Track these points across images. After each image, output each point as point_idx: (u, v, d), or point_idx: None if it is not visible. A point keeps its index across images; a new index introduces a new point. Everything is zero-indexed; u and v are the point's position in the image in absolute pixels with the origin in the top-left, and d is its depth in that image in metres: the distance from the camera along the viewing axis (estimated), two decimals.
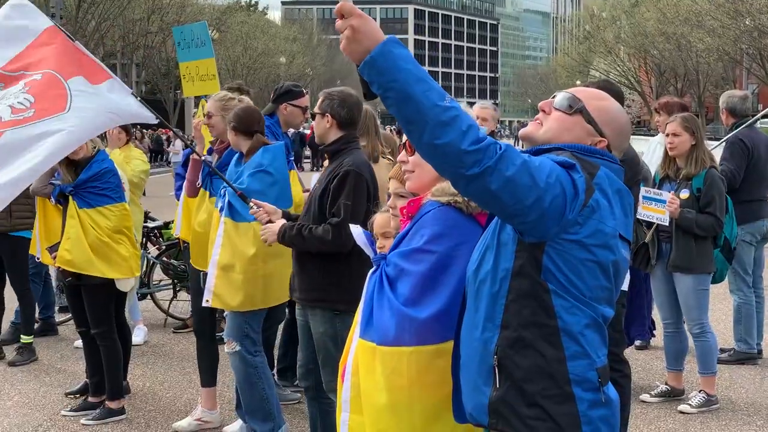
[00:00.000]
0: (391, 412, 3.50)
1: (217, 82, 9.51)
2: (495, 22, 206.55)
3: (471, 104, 9.34)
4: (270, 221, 5.87)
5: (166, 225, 11.45)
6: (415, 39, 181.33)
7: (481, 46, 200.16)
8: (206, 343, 7.22)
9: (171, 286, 11.34)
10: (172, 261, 11.17)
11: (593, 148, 3.11)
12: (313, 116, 5.89)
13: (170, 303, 11.18)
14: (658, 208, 7.22)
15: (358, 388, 3.66)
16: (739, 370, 8.70)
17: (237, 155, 6.63)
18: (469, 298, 3.21)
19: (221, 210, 6.28)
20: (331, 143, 5.81)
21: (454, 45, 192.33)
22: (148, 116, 6.26)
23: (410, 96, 2.80)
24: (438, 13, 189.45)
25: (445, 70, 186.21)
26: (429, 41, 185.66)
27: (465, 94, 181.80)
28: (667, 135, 7.50)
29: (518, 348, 3.00)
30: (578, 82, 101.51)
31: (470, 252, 3.48)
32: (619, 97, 6.87)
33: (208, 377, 7.27)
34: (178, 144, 35.82)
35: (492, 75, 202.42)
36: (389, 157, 7.62)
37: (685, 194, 7.35)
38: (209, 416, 7.17)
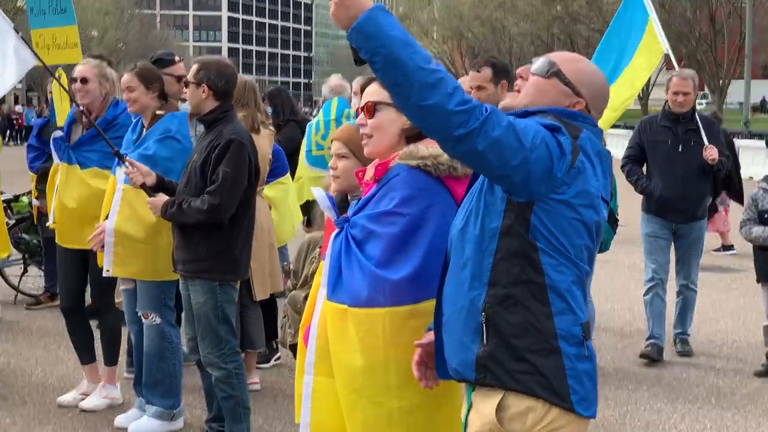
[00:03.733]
0: (366, 373, 3.54)
1: (79, 50, 9.15)
2: (309, 2, 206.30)
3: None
4: (144, 184, 5.78)
5: (16, 198, 11.07)
6: (228, 17, 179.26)
7: (295, 25, 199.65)
8: (78, 321, 7.03)
9: (21, 262, 10.96)
10: (23, 235, 10.79)
11: (575, 112, 3.22)
12: (186, 84, 5.79)
13: (20, 279, 10.80)
14: None
15: (323, 350, 3.67)
16: (600, 338, 9.02)
17: (134, 123, 6.46)
18: (453, 258, 3.26)
19: (122, 179, 6.09)
20: (208, 113, 5.75)
21: (269, 23, 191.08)
22: (26, 58, 6.01)
23: (397, 60, 2.88)
24: None
25: (259, 48, 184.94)
26: (243, 19, 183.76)
27: (279, 73, 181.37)
28: None
29: (507, 305, 3.09)
30: None
31: (440, 214, 3.56)
32: (506, 71, 7.03)
33: (87, 355, 7.10)
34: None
35: (306, 54, 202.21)
36: (270, 128, 7.61)
37: None
38: (115, 392, 7.00)
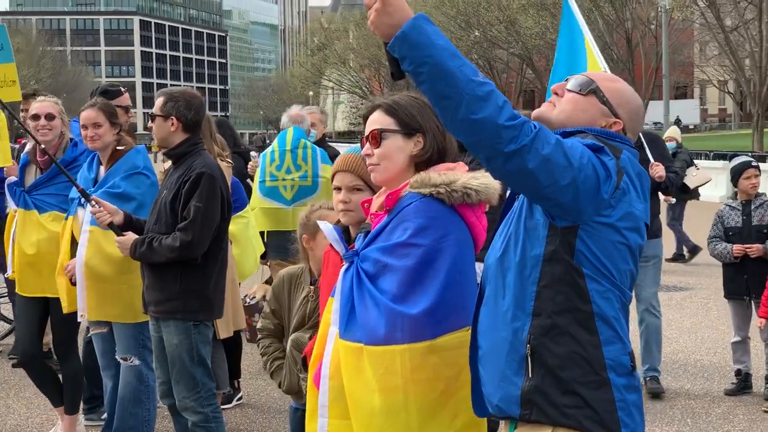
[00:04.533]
0: (385, 414, 3.34)
1: (18, 88, 8.89)
2: (223, 34, 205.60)
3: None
4: (111, 223, 5.55)
5: None
6: (141, 51, 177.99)
7: (210, 58, 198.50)
8: (39, 368, 6.74)
9: None
10: None
11: (613, 133, 3.10)
12: (153, 118, 5.56)
13: None
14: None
15: (336, 391, 3.48)
16: None
17: (90, 159, 6.21)
18: (490, 288, 3.11)
19: (90, 221, 5.86)
20: (176, 146, 5.53)
21: (183, 57, 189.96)
22: None
23: (445, 71, 2.75)
24: (164, 25, 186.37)
25: (174, 82, 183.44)
26: (156, 53, 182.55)
27: None
28: None
29: (553, 335, 2.94)
30: (311, 93, 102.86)
31: (455, 243, 3.40)
32: None
33: (58, 398, 6.79)
34: None
35: (222, 87, 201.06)
36: (228, 160, 7.41)
37: None
38: None
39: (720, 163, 27.52)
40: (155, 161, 6.47)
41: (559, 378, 2.93)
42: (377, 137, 3.53)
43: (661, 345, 8.17)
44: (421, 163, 3.53)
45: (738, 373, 7.85)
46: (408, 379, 3.33)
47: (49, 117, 6.39)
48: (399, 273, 3.37)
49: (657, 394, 7.83)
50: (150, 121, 5.54)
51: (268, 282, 8.93)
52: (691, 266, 14.63)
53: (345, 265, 3.54)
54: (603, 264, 2.93)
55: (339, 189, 3.90)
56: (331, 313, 3.54)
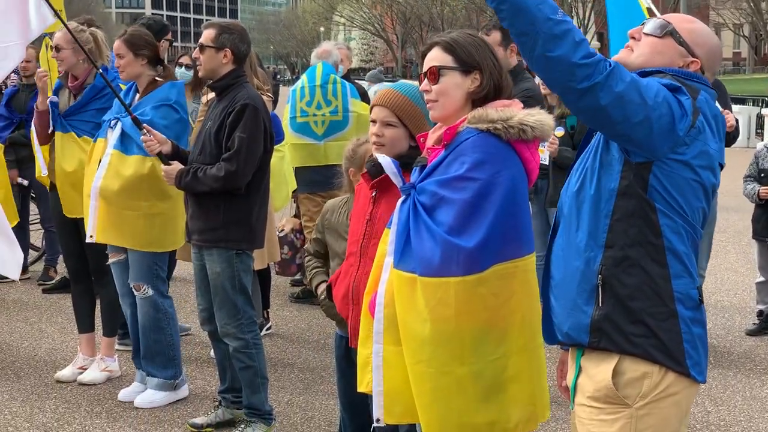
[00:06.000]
0: (435, 343, 3.46)
1: (63, 16, 8.93)
2: None
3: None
4: (160, 152, 5.66)
5: None
6: None
7: None
8: (83, 287, 6.93)
9: None
10: None
11: (691, 73, 3.19)
12: (202, 49, 5.62)
13: None
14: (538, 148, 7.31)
15: (390, 319, 3.59)
16: None
17: (128, 88, 6.30)
18: (564, 220, 3.24)
19: (113, 144, 5.99)
20: (221, 78, 5.60)
21: None
22: (45, 15, 5.87)
23: (524, 9, 2.88)
24: None
25: (183, 15, 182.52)
26: None
27: None
28: None
29: (624, 267, 3.06)
30: (322, 29, 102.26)
31: (510, 179, 3.49)
32: None
33: (86, 324, 6.96)
34: None
35: (232, 21, 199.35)
36: (268, 94, 7.48)
37: (560, 132, 7.49)
38: (113, 364, 6.86)
39: (736, 108, 27.38)
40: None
41: (628, 308, 3.06)
42: (435, 74, 3.61)
43: None
44: (478, 99, 3.61)
45: (760, 313, 7.98)
46: (461, 310, 3.43)
47: (57, 49, 6.42)
48: (455, 206, 3.46)
49: None
50: (199, 52, 5.61)
51: (296, 215, 9.06)
52: None
53: (402, 198, 3.65)
54: (675, 200, 3.04)
55: (374, 122, 4.05)
56: (387, 243, 3.65)
